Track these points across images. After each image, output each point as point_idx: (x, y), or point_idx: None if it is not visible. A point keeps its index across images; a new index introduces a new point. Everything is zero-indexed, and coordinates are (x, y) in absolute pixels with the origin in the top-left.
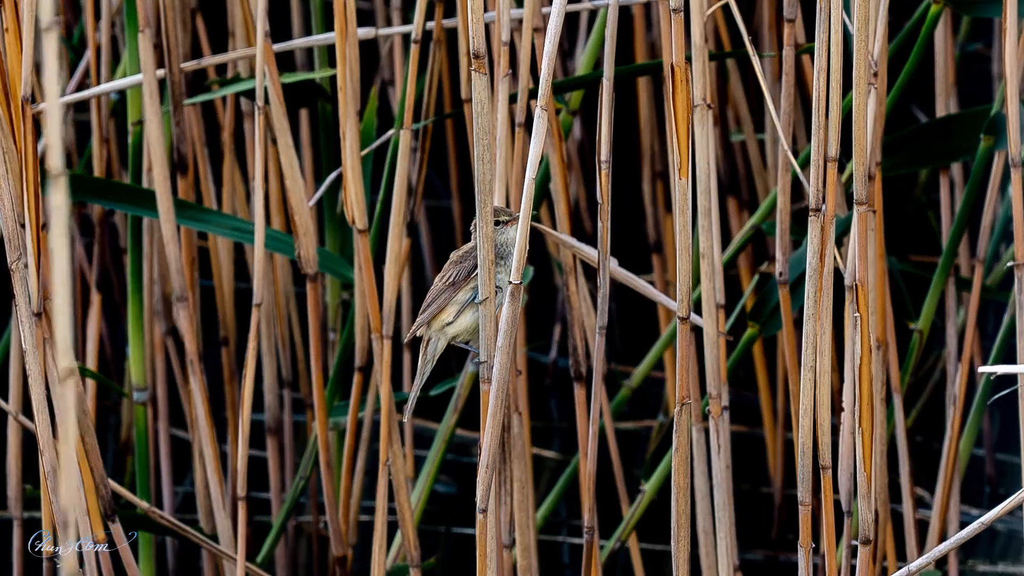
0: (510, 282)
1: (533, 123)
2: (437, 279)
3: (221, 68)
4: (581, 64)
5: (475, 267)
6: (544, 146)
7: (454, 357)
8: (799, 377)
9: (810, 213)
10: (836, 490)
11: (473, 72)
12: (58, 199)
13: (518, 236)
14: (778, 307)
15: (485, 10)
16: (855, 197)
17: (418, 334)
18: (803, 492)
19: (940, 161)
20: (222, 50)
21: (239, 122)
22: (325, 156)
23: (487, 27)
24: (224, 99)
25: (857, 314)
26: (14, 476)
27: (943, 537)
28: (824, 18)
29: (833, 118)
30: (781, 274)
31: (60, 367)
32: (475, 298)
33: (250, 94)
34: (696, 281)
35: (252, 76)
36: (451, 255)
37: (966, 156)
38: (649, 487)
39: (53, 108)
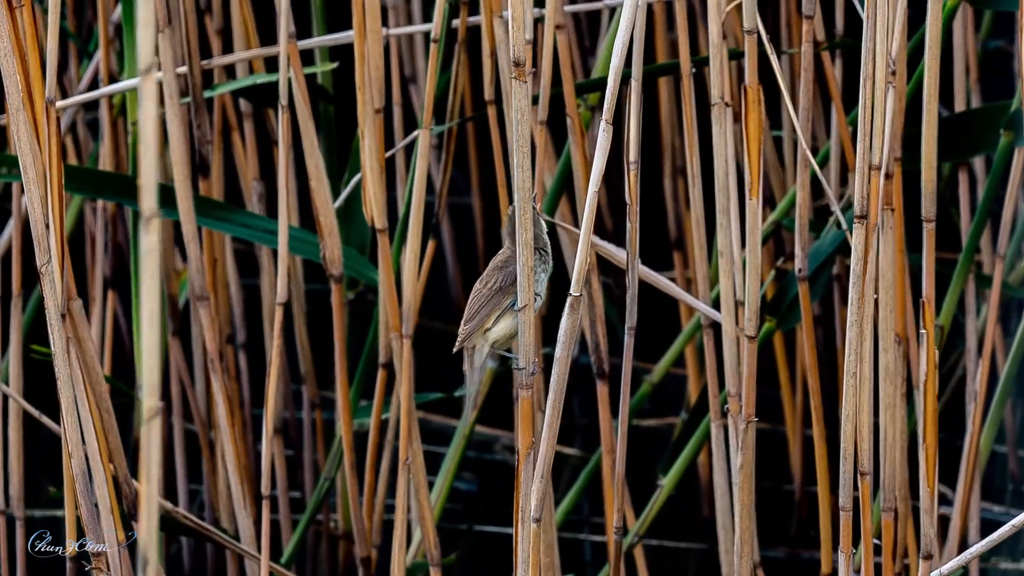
0: (569, 294)
1: (598, 137)
2: (479, 284)
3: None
4: (598, 62)
5: None
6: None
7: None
8: (819, 374)
9: (855, 220)
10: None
11: (513, 80)
12: (151, 241)
13: (579, 248)
14: (794, 301)
15: (501, 10)
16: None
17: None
18: (844, 498)
19: (959, 156)
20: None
21: (240, 123)
22: (327, 157)
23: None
24: (233, 99)
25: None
26: (16, 475)
27: (964, 534)
28: (870, 25)
29: (878, 125)
30: (800, 270)
31: (146, 407)
32: (514, 304)
33: (250, 91)
34: (715, 278)
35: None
36: (493, 260)
37: (986, 151)
38: (667, 482)
39: (148, 151)
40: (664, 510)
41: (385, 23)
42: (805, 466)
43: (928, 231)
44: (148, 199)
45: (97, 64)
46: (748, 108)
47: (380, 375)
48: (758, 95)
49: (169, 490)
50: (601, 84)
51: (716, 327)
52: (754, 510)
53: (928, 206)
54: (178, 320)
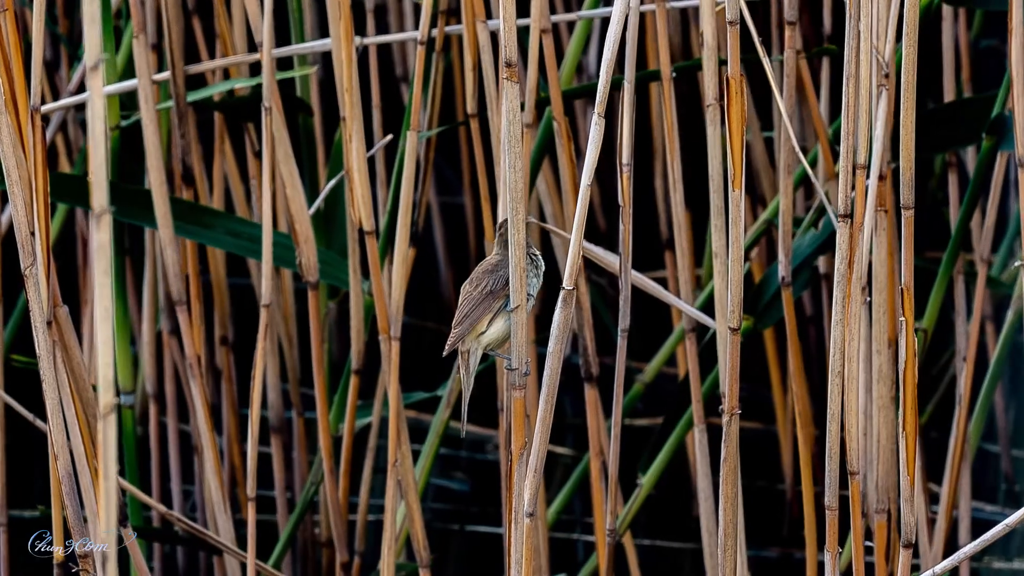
0: (562, 288)
1: (591, 130)
2: (469, 287)
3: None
4: (565, 65)
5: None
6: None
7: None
8: (815, 375)
9: (839, 219)
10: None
11: (504, 80)
12: (102, 238)
13: (572, 241)
14: (772, 301)
15: (490, 16)
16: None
17: (458, 348)
18: (830, 497)
19: (946, 147)
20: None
21: (234, 130)
22: (308, 167)
23: (492, 34)
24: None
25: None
26: None
27: (949, 534)
28: (853, 24)
29: (862, 124)
30: (784, 278)
31: (102, 403)
32: (507, 305)
33: (229, 105)
34: (708, 278)
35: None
36: (481, 263)
37: (972, 142)
38: (646, 481)
39: (98, 148)
40: (657, 510)
41: (364, 31)
42: (796, 466)
43: (906, 219)
44: (99, 195)
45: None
46: (730, 99)
47: (353, 381)
48: (740, 86)
49: (164, 490)
50: (592, 90)
51: (697, 331)
52: (739, 505)
53: (907, 194)
54: (174, 319)
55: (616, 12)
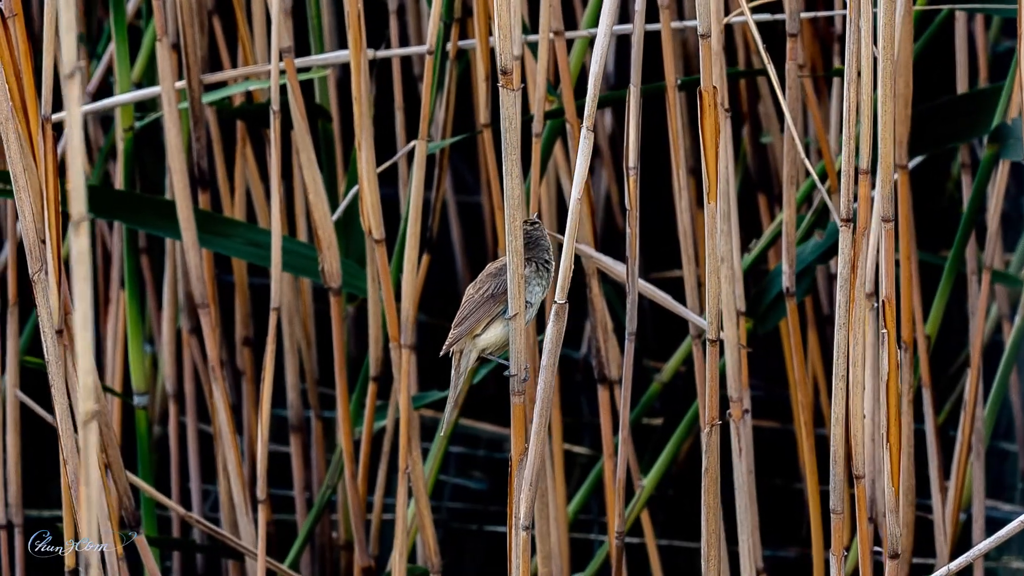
0: (556, 302)
1: (580, 144)
2: (471, 290)
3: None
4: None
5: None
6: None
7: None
8: (816, 385)
9: (841, 224)
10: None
11: (501, 88)
12: (81, 244)
13: (563, 257)
14: (774, 304)
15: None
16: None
17: (453, 349)
18: (835, 500)
19: (949, 142)
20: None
21: (256, 135)
22: (327, 173)
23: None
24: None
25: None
26: (14, 483)
27: (956, 534)
28: (853, 30)
29: (864, 129)
30: (788, 288)
31: (82, 410)
32: (505, 312)
33: (248, 112)
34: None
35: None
36: (488, 266)
37: (980, 134)
38: (648, 481)
39: (75, 156)
40: (676, 511)
41: (385, 42)
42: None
43: (887, 231)
44: (77, 203)
45: (110, 60)
46: (704, 112)
47: (371, 389)
48: (714, 99)
49: (183, 490)
50: (609, 99)
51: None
52: (720, 515)
53: (886, 206)
54: (195, 318)
55: (602, 29)
